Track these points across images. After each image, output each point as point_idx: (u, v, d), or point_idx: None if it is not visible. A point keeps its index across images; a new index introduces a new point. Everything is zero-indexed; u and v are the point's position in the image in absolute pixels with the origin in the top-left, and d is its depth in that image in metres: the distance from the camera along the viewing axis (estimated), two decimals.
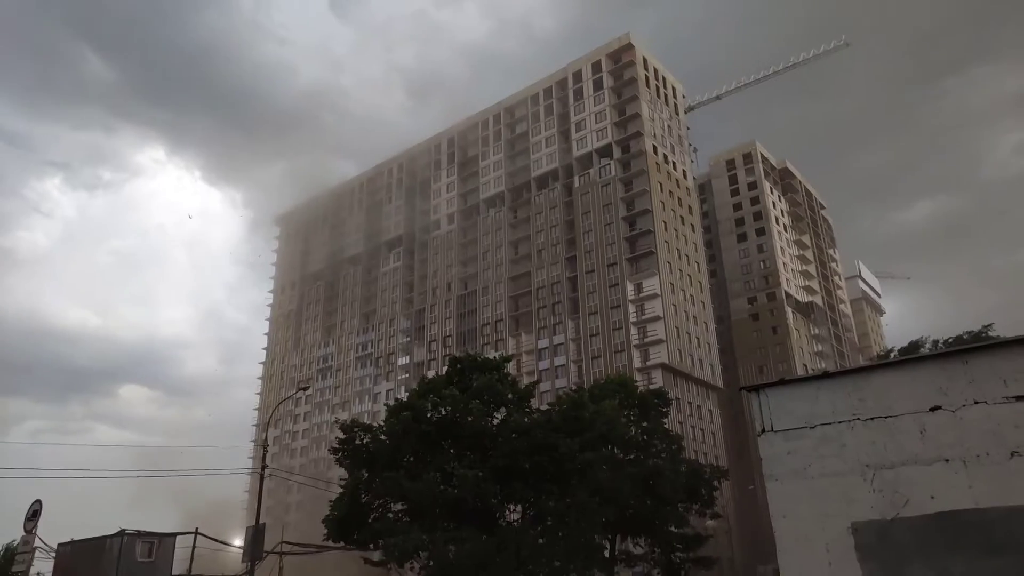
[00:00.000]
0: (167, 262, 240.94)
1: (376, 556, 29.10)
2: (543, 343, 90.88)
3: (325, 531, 29.64)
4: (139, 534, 34.35)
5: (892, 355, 47.98)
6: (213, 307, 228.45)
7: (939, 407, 9.10)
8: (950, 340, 45.28)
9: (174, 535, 35.57)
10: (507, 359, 34.72)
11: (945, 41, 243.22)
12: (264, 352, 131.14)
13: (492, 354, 46.85)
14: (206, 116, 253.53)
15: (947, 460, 8.87)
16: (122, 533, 33.72)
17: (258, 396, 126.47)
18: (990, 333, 44.00)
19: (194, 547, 36.65)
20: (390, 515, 29.17)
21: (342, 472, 31.17)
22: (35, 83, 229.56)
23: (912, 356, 10.78)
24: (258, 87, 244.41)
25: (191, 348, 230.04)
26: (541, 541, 27.67)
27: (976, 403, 8.95)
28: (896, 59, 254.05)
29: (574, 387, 43.21)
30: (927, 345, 46.82)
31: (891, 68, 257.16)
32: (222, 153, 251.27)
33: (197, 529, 35.42)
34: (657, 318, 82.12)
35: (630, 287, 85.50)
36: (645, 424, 37.52)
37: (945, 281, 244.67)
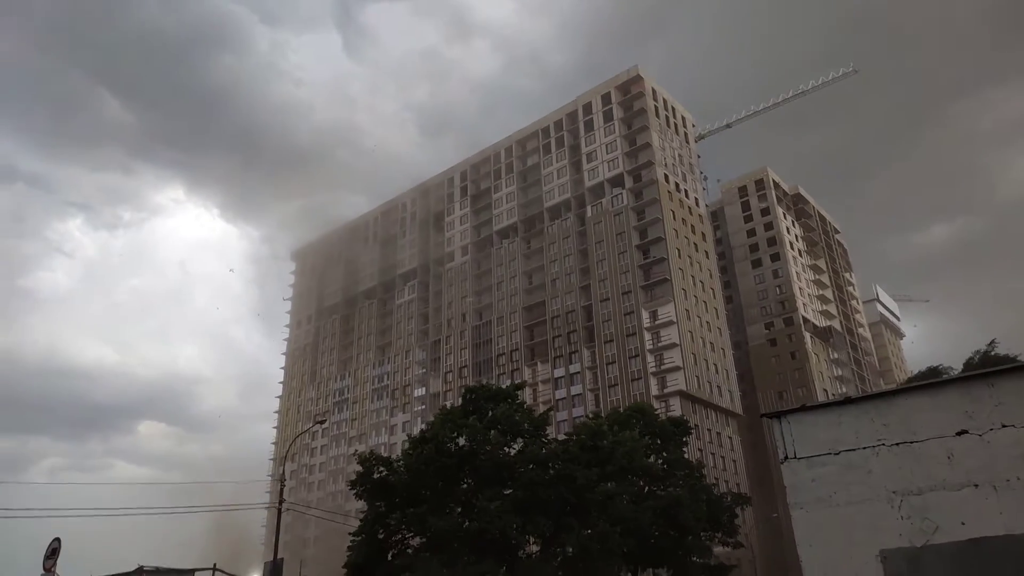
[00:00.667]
0: (185, 299, 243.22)
1: None
2: (559, 372, 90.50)
3: (344, 565, 29.38)
4: (157, 570, 34.18)
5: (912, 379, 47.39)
6: (230, 343, 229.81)
7: (966, 431, 8.97)
8: (972, 360, 44.65)
9: (193, 571, 35.35)
10: (519, 386, 34.65)
11: (953, 66, 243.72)
12: (281, 386, 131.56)
13: (507, 383, 46.70)
14: (224, 155, 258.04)
15: (976, 485, 8.72)
16: (140, 569, 33.57)
17: (275, 430, 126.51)
18: (995, 352, 43.38)
19: None
20: (409, 551, 28.91)
21: (360, 505, 31.01)
22: (55, 126, 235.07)
23: (935, 380, 10.66)
24: (274, 126, 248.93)
25: (209, 384, 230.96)
26: (560, 574, 27.26)
27: (1004, 427, 8.82)
28: (905, 84, 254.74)
29: (591, 415, 42.82)
30: (951, 371, 46.22)
31: (900, 93, 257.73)
32: (240, 191, 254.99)
33: (216, 565, 35.21)
34: (673, 345, 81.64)
35: (645, 315, 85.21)
36: (665, 453, 37.09)
37: (964, 303, 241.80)
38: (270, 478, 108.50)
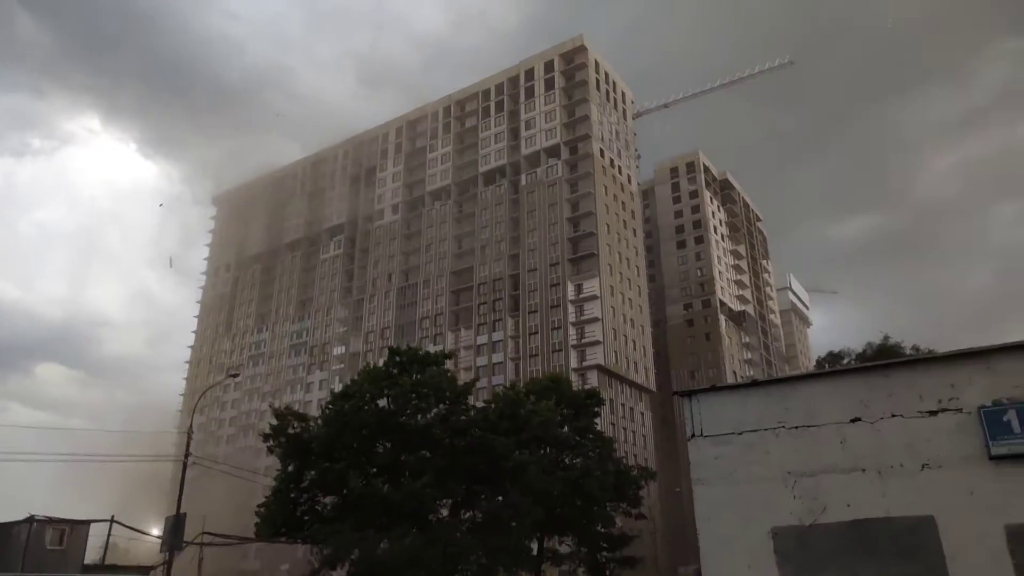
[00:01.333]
0: (96, 237, 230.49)
1: (301, 549, 28.59)
2: (482, 339, 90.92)
3: (256, 524, 28.89)
4: (50, 520, 32.83)
5: (812, 366, 49.89)
6: (142, 287, 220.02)
7: (859, 419, 9.50)
8: (865, 352, 47.22)
9: (88, 522, 34.14)
10: (448, 355, 34.59)
11: (886, 64, 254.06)
12: (193, 336, 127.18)
13: (431, 348, 46.61)
14: (146, 86, 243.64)
15: (864, 470, 9.26)
16: (31, 519, 32.16)
17: (184, 381, 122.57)
18: (890, 343, 46.16)
19: (109, 535, 35.25)
20: (318, 508, 28.69)
21: (270, 462, 30.50)
22: None
23: (836, 369, 11.22)
24: (203, 60, 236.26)
25: (115, 328, 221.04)
26: (468, 539, 27.66)
27: (893, 416, 9.37)
28: (839, 79, 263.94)
29: (510, 384, 43.31)
30: (849, 359, 48.77)
31: (834, 88, 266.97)
32: (161, 126, 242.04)
33: (113, 517, 34.08)
34: (595, 319, 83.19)
35: (571, 288, 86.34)
36: (577, 424, 37.91)
37: (872, 296, 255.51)
38: (177, 430, 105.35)
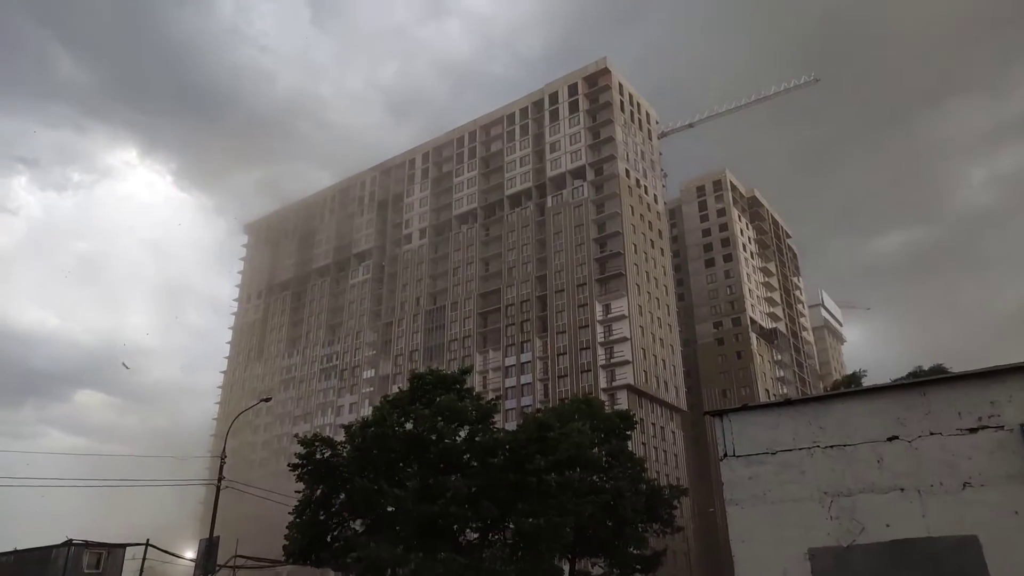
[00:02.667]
0: (134, 266, 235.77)
1: (332, 573, 28.59)
2: (510, 360, 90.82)
3: (284, 546, 29.03)
4: (87, 544, 33.34)
5: (842, 384, 49.03)
6: (178, 314, 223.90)
7: (896, 437, 9.32)
8: (907, 374, 46.28)
9: (124, 546, 34.59)
10: (467, 371, 34.55)
11: (917, 75, 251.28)
12: (226, 361, 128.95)
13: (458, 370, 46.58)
14: (181, 119, 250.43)
15: (902, 489, 9.06)
16: (69, 543, 32.69)
17: (217, 406, 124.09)
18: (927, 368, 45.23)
19: (144, 559, 35.62)
20: (349, 532, 28.73)
21: (302, 486, 30.63)
22: (2, 76, 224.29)
23: (872, 387, 11.01)
24: (235, 92, 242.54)
25: (153, 355, 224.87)
26: (501, 560, 27.46)
27: (932, 434, 9.17)
28: (869, 92, 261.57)
29: (540, 406, 43.18)
30: (864, 377, 47.92)
31: (863, 101, 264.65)
32: (196, 157, 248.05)
33: (148, 540, 34.47)
34: (624, 339, 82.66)
35: (599, 308, 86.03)
36: (609, 446, 37.60)
37: (908, 312, 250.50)
38: (210, 454, 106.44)
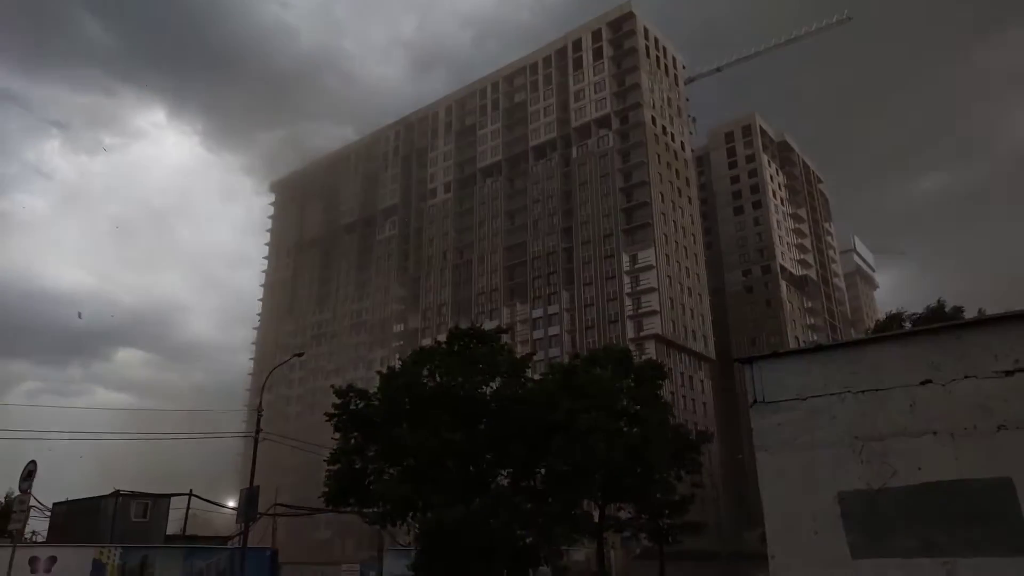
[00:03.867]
0: (166, 227, 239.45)
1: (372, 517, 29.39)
2: (537, 313, 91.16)
3: (322, 494, 29.91)
4: (134, 495, 34.70)
5: (868, 329, 48.42)
6: (211, 273, 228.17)
7: (929, 380, 9.19)
8: (922, 315, 45.60)
9: (168, 496, 35.94)
10: (503, 330, 34.79)
11: (950, 14, 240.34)
12: (258, 318, 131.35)
13: (486, 323, 47.12)
14: (206, 79, 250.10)
15: (935, 433, 8.98)
16: (117, 494, 34.06)
17: (252, 362, 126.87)
18: (945, 308, 44.42)
19: (188, 508, 37.08)
20: (384, 478, 29.44)
21: (337, 437, 31.37)
22: (32, 43, 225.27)
23: (904, 331, 10.86)
24: (258, 49, 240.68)
25: (188, 313, 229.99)
26: (528, 505, 28.00)
27: (966, 377, 9.04)
28: (901, 32, 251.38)
29: (568, 356, 43.44)
30: (908, 321, 47.21)
31: (896, 41, 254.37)
32: (222, 117, 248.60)
33: (192, 491, 35.83)
34: (652, 289, 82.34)
35: (626, 258, 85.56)
36: (638, 394, 37.77)
37: (944, 257, 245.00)
38: (247, 408, 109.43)
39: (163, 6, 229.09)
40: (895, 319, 48.66)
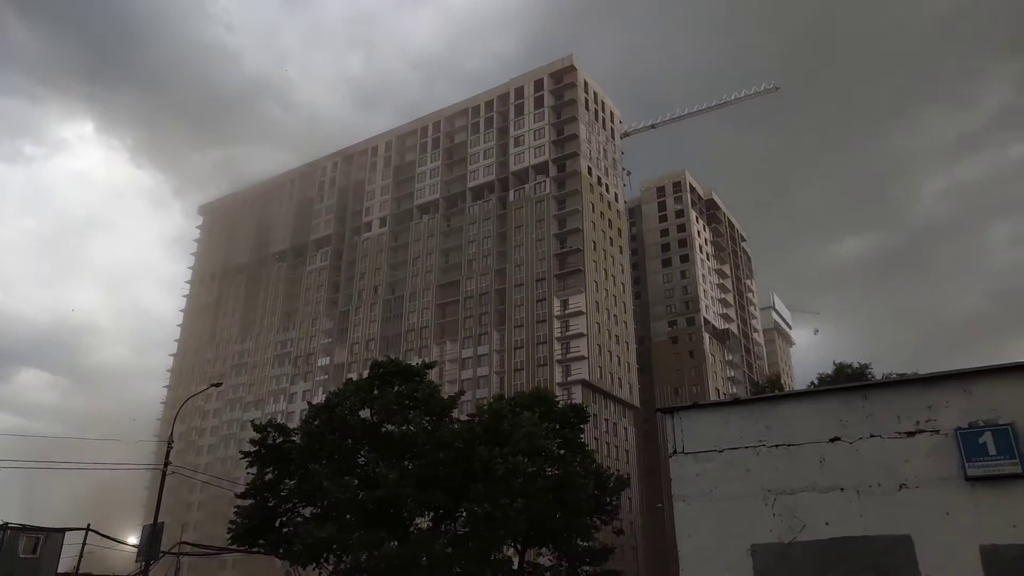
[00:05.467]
0: (85, 245, 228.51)
1: (279, 563, 28.27)
2: (467, 353, 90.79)
3: (228, 531, 28.62)
4: (24, 528, 32.33)
5: (794, 385, 50.37)
6: (129, 295, 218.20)
7: (838, 438, 9.65)
8: (825, 377, 47.73)
9: (63, 530, 33.64)
10: (430, 365, 34.49)
11: (878, 87, 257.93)
12: (176, 344, 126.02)
13: (416, 360, 46.54)
14: (139, 94, 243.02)
15: (842, 489, 9.40)
16: (5, 526, 31.67)
17: (166, 389, 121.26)
18: (846, 367, 46.78)
19: (84, 544, 34.72)
20: (299, 519, 28.45)
21: (251, 473, 30.18)
22: None
23: (816, 389, 11.37)
24: (198, 69, 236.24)
25: (102, 334, 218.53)
26: (449, 550, 27.52)
27: (872, 436, 9.52)
28: (828, 102, 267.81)
29: (495, 399, 43.27)
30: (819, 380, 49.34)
31: (825, 111, 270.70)
32: (154, 135, 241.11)
33: (89, 525, 33.59)
34: (581, 335, 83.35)
35: (557, 303, 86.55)
36: (561, 438, 37.90)
37: (857, 317, 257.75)
38: (157, 439, 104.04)
39: (100, 16, 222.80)
40: (776, 384, 50.95)
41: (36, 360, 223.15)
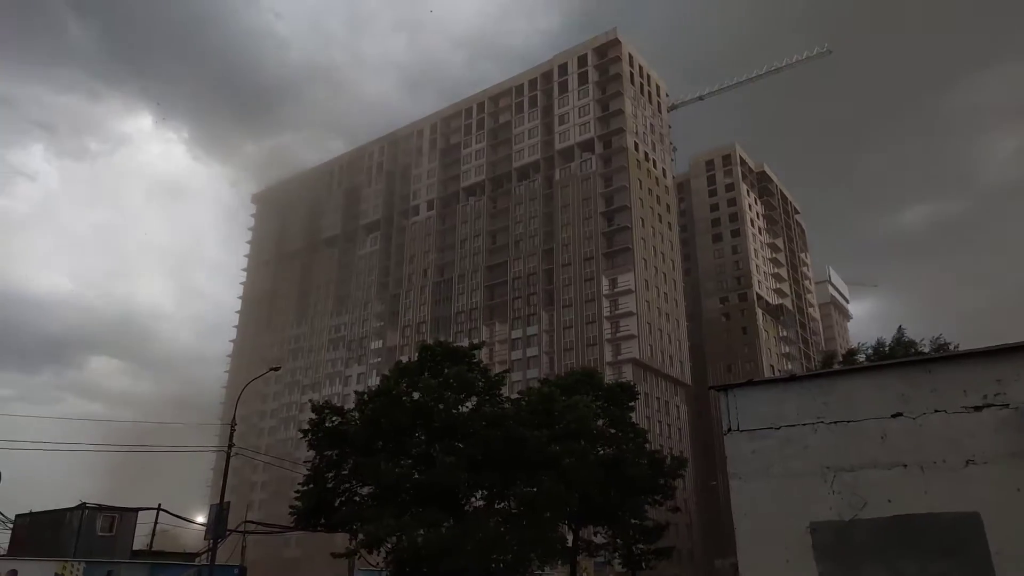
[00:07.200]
0: (148, 236, 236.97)
1: (340, 541, 29.09)
2: (517, 333, 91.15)
3: (291, 512, 29.53)
4: (100, 508, 33.93)
5: (836, 363, 48.94)
6: (191, 281, 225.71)
7: (900, 414, 9.37)
8: (881, 347, 46.24)
9: (136, 510, 35.17)
10: (477, 347, 34.75)
11: (938, 48, 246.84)
12: (235, 330, 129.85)
13: (465, 342, 47.03)
14: (193, 86, 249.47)
15: (905, 465, 9.14)
16: (83, 506, 33.28)
17: (227, 374, 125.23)
18: (905, 338, 45.13)
19: (156, 523, 36.30)
20: (356, 499, 29.14)
21: (310, 454, 31.04)
22: (14, 42, 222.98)
23: (877, 363, 11.07)
24: (249, 58, 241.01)
25: (167, 321, 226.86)
26: (503, 529, 27.85)
27: (936, 411, 9.22)
28: (884, 67, 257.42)
29: (542, 381, 43.36)
30: (860, 354, 47.86)
31: (880, 74, 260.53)
32: (209, 124, 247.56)
33: (160, 505, 35.09)
34: (630, 314, 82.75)
35: (605, 282, 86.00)
36: (611, 417, 37.81)
37: (918, 290, 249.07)
38: (220, 422, 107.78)
39: (151, 10, 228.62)
40: (851, 356, 49.38)
41: (106, 348, 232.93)
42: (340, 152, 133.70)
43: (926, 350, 42.17)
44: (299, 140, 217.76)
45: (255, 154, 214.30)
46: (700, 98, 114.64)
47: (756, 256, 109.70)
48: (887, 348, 45.69)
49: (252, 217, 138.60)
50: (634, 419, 40.84)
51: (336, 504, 29.34)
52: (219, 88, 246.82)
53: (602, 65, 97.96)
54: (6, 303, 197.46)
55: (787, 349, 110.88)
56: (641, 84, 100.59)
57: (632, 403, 40.16)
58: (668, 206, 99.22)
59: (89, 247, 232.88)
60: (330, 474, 29.24)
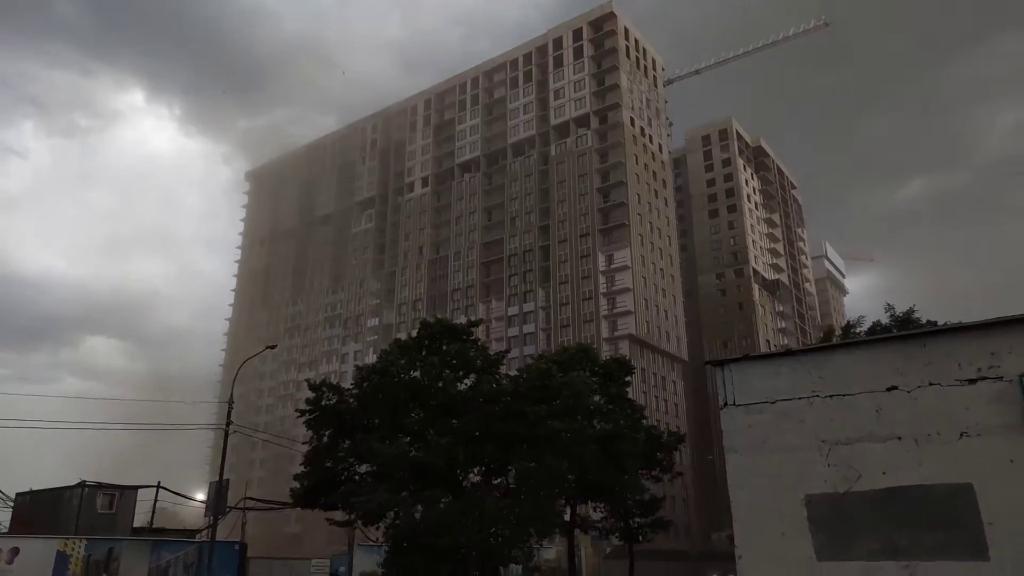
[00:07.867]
0: (141, 214, 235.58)
1: (339, 516, 29.31)
2: (513, 310, 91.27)
3: (290, 493, 29.72)
4: (100, 486, 34.11)
5: (835, 337, 48.83)
6: (186, 260, 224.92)
7: (895, 387, 9.43)
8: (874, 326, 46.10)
9: (136, 488, 35.39)
10: (476, 323, 34.80)
11: (935, 21, 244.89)
12: (231, 308, 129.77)
13: (462, 319, 47.11)
14: (185, 61, 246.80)
15: (900, 438, 9.21)
16: (83, 484, 33.47)
17: (224, 352, 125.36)
18: (914, 316, 44.94)
19: (156, 500, 36.57)
20: (355, 478, 29.32)
21: (309, 432, 31.15)
22: (2, 18, 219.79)
23: (872, 337, 11.11)
24: (240, 33, 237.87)
25: (162, 299, 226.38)
26: (501, 504, 28.06)
27: (931, 385, 9.28)
28: (881, 39, 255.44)
29: (539, 357, 43.45)
30: (860, 328, 47.76)
31: (878, 47, 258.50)
32: (201, 101, 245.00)
33: (160, 483, 35.32)
34: (627, 290, 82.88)
35: (601, 258, 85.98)
36: (608, 392, 37.94)
37: (915, 264, 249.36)
38: (218, 400, 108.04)
39: None
40: (848, 330, 49.23)
41: (102, 327, 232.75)
42: (333, 129, 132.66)
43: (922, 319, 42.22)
44: (292, 117, 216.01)
45: (248, 131, 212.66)
46: (696, 72, 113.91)
47: (752, 231, 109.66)
48: (893, 323, 45.47)
49: (246, 195, 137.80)
50: (631, 395, 41.02)
51: (336, 482, 29.51)
52: (211, 65, 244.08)
53: (597, 39, 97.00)
54: (2, 283, 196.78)
55: (783, 324, 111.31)
56: (637, 58, 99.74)
57: (628, 378, 40.31)
58: (664, 182, 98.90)
59: (82, 225, 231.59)
60: (328, 454, 29.36)
